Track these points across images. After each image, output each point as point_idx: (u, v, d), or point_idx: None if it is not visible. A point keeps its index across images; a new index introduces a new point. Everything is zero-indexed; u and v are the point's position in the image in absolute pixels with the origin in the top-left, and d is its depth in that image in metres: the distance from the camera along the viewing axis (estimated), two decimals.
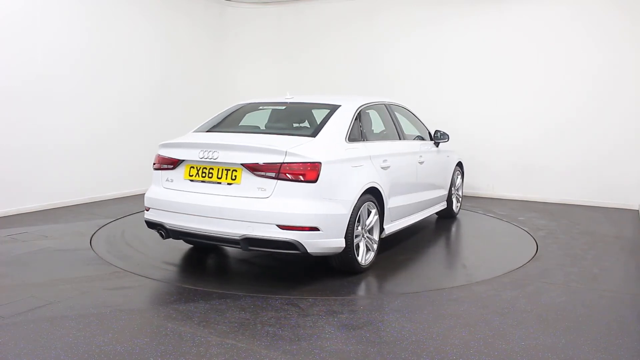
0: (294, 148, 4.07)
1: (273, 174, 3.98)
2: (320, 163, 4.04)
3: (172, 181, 4.42)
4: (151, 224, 4.53)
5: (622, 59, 7.62)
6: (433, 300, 3.96)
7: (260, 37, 10.02)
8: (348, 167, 4.34)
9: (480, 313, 3.71)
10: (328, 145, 4.32)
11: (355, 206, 4.28)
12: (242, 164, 4.07)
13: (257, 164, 4.03)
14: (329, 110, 4.75)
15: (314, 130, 4.48)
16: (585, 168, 7.96)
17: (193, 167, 4.32)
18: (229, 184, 4.14)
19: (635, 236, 6.14)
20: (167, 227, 4.36)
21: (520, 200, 8.33)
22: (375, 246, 4.68)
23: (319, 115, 4.86)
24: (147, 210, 4.54)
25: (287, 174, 3.97)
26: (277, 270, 4.66)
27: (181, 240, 5.04)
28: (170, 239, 4.56)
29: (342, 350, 3.08)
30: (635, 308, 3.90)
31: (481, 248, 5.84)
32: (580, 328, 3.47)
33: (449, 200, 6.70)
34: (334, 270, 4.59)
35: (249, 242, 4.02)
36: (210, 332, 3.30)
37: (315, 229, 3.99)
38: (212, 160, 4.18)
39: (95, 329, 3.32)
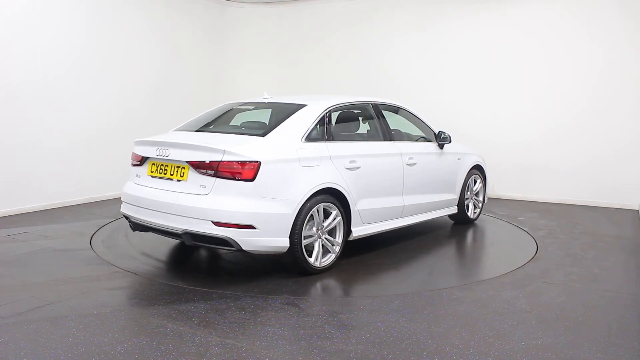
0: (232, 147, 4.15)
1: (212, 172, 4.12)
2: (258, 162, 4.09)
3: (139, 177, 4.68)
4: (124, 217, 4.83)
5: (623, 59, 7.61)
6: (433, 300, 3.96)
7: (261, 37, 10.01)
8: (297, 166, 4.32)
9: (480, 313, 3.71)
10: (275, 145, 4.36)
11: (303, 206, 4.26)
12: (187, 162, 4.24)
13: (199, 161, 4.18)
14: (290, 110, 4.78)
15: (266, 130, 4.53)
16: (586, 168, 7.95)
17: (154, 164, 4.54)
18: (178, 180, 4.33)
19: (635, 236, 6.14)
20: (132, 219, 4.65)
21: (520, 200, 8.32)
22: (337, 248, 4.61)
23: (282, 115, 4.82)
24: (122, 204, 4.81)
25: (224, 172, 4.08)
26: (277, 270, 4.65)
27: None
28: (144, 232, 4.78)
29: (342, 350, 3.08)
30: (635, 308, 3.91)
31: (481, 248, 5.84)
32: (580, 328, 3.47)
33: (462, 205, 6.35)
34: (334, 271, 4.59)
35: (191, 236, 4.17)
36: (210, 332, 3.30)
37: (251, 227, 4.05)
38: (165, 157, 4.40)
39: (95, 329, 3.32)
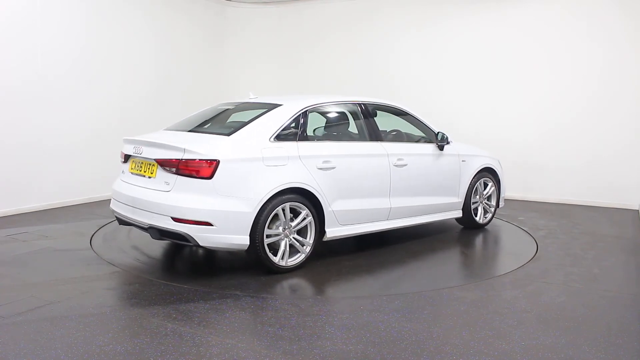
0: (193, 146, 4.24)
1: (174, 170, 4.24)
2: (217, 160, 4.16)
3: (124, 173, 4.88)
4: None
5: (623, 59, 7.61)
6: (433, 300, 3.96)
7: (261, 37, 10.01)
8: (260, 165, 4.34)
9: (480, 313, 3.71)
10: (238, 144, 4.40)
11: (265, 205, 4.27)
12: (154, 160, 4.39)
13: (163, 159, 4.32)
14: (263, 110, 4.80)
15: (233, 130, 4.57)
16: (586, 168, 7.95)
17: (134, 162, 4.72)
18: (149, 177, 4.49)
19: (635, 236, 6.14)
20: (115, 214, 4.87)
21: (520, 200, 8.32)
22: (307, 249, 4.57)
23: (256, 114, 4.81)
24: (111, 200, 5.01)
25: (184, 170, 4.20)
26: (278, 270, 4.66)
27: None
28: (127, 226, 4.98)
29: (342, 350, 3.08)
30: (635, 308, 3.91)
31: (481, 248, 5.84)
32: (580, 328, 3.47)
33: (468, 209, 6.08)
34: (334, 271, 4.59)
35: (156, 231, 4.31)
36: (210, 332, 3.30)
37: (208, 223, 4.12)
38: (140, 155, 4.58)
39: (95, 329, 3.32)
